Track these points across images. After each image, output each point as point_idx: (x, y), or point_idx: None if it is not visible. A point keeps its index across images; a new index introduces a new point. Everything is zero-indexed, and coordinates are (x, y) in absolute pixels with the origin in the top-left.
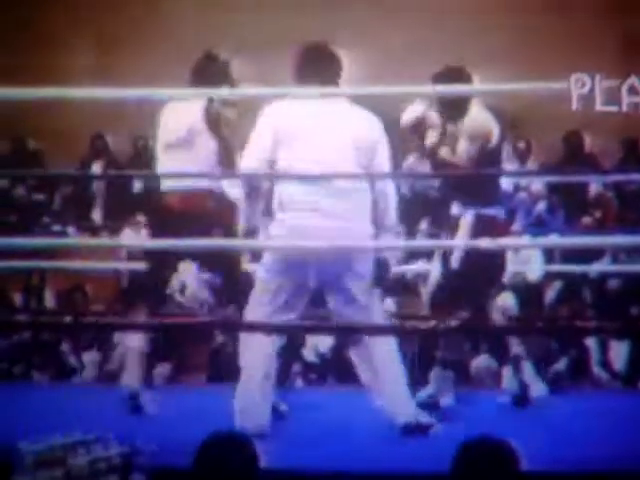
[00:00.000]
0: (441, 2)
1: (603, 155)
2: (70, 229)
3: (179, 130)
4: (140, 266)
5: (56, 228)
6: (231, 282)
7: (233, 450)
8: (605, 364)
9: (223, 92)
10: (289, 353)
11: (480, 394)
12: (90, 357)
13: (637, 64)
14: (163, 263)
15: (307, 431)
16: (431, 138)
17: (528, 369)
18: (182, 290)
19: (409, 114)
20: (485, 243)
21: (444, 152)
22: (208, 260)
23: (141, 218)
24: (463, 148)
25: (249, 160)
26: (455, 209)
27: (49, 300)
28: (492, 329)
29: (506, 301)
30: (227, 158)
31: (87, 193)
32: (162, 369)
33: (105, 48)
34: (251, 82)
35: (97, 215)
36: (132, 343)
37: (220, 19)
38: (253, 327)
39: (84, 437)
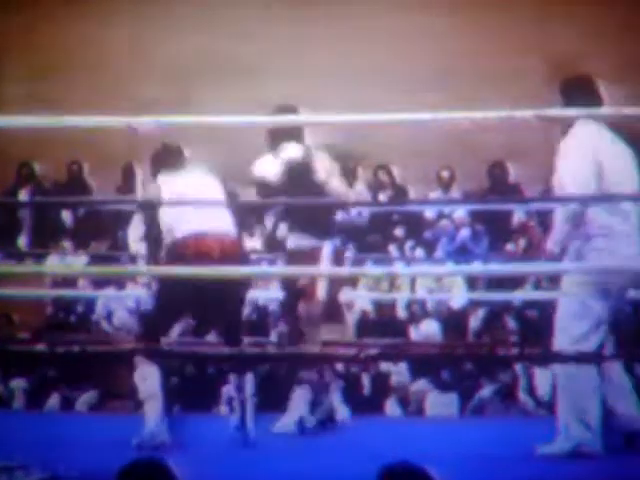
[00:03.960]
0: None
1: (527, 184)
2: None
3: (196, 190)
4: (65, 292)
5: None
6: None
7: (153, 476)
8: (531, 391)
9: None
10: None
11: None
12: (18, 384)
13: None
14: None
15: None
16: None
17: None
18: (109, 317)
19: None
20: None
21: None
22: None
23: (67, 244)
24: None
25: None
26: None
27: None
28: (416, 356)
29: (430, 328)
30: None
31: (14, 220)
32: (88, 395)
33: (37, 76)
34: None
35: (23, 242)
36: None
37: (152, 50)
38: (174, 354)
39: (6, 463)
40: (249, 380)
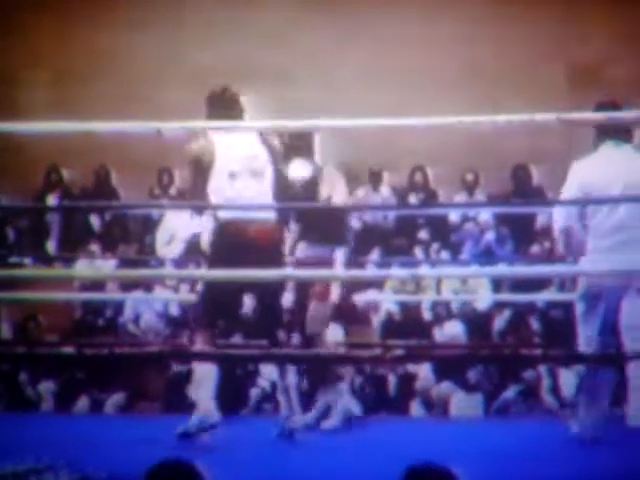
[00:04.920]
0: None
1: (550, 187)
2: (27, 260)
3: (249, 159)
4: (94, 296)
5: (13, 260)
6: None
7: (180, 477)
8: (555, 391)
9: (198, 125)
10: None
11: None
12: (46, 387)
13: (581, 95)
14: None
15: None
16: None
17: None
18: (136, 320)
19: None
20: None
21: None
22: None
23: (94, 247)
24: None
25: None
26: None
27: (5, 331)
28: (441, 357)
29: (454, 329)
30: (282, 187)
31: (43, 225)
32: (117, 397)
33: (63, 82)
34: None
35: (52, 246)
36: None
37: (180, 54)
38: (205, 356)
39: (35, 465)
40: (290, 371)
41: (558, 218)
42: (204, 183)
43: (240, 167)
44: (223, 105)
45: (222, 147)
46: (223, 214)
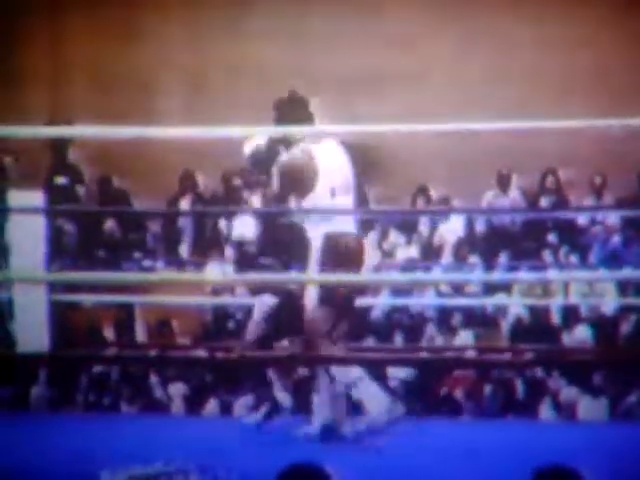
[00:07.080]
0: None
1: None
2: (159, 264)
3: (346, 174)
4: (225, 300)
5: (146, 263)
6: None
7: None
8: None
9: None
10: None
11: None
12: (176, 389)
13: None
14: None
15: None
16: None
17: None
18: None
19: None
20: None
21: None
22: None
23: (227, 252)
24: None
25: None
26: None
27: (140, 334)
28: (567, 362)
29: (583, 334)
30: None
31: (176, 229)
32: (246, 400)
33: (193, 88)
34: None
35: (185, 250)
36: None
37: (309, 64)
38: (333, 360)
39: (165, 467)
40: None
41: None
42: (293, 194)
43: (338, 183)
44: (291, 110)
45: (322, 162)
46: (327, 228)
